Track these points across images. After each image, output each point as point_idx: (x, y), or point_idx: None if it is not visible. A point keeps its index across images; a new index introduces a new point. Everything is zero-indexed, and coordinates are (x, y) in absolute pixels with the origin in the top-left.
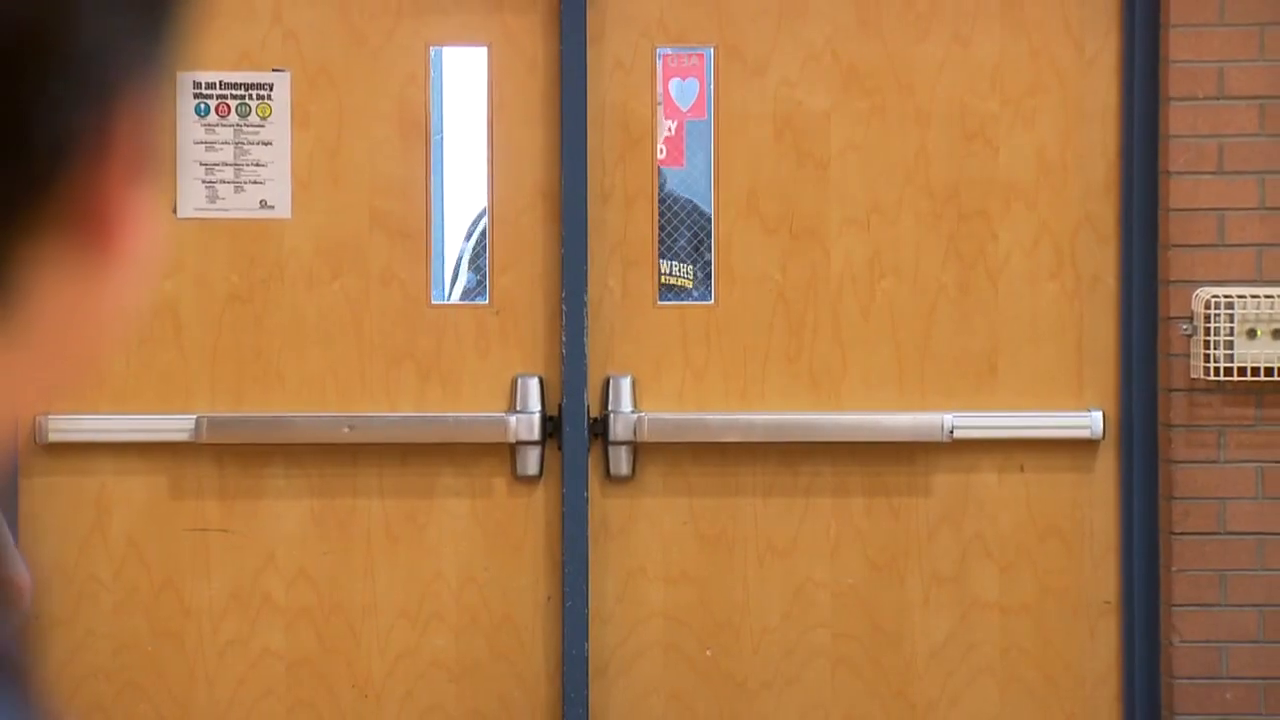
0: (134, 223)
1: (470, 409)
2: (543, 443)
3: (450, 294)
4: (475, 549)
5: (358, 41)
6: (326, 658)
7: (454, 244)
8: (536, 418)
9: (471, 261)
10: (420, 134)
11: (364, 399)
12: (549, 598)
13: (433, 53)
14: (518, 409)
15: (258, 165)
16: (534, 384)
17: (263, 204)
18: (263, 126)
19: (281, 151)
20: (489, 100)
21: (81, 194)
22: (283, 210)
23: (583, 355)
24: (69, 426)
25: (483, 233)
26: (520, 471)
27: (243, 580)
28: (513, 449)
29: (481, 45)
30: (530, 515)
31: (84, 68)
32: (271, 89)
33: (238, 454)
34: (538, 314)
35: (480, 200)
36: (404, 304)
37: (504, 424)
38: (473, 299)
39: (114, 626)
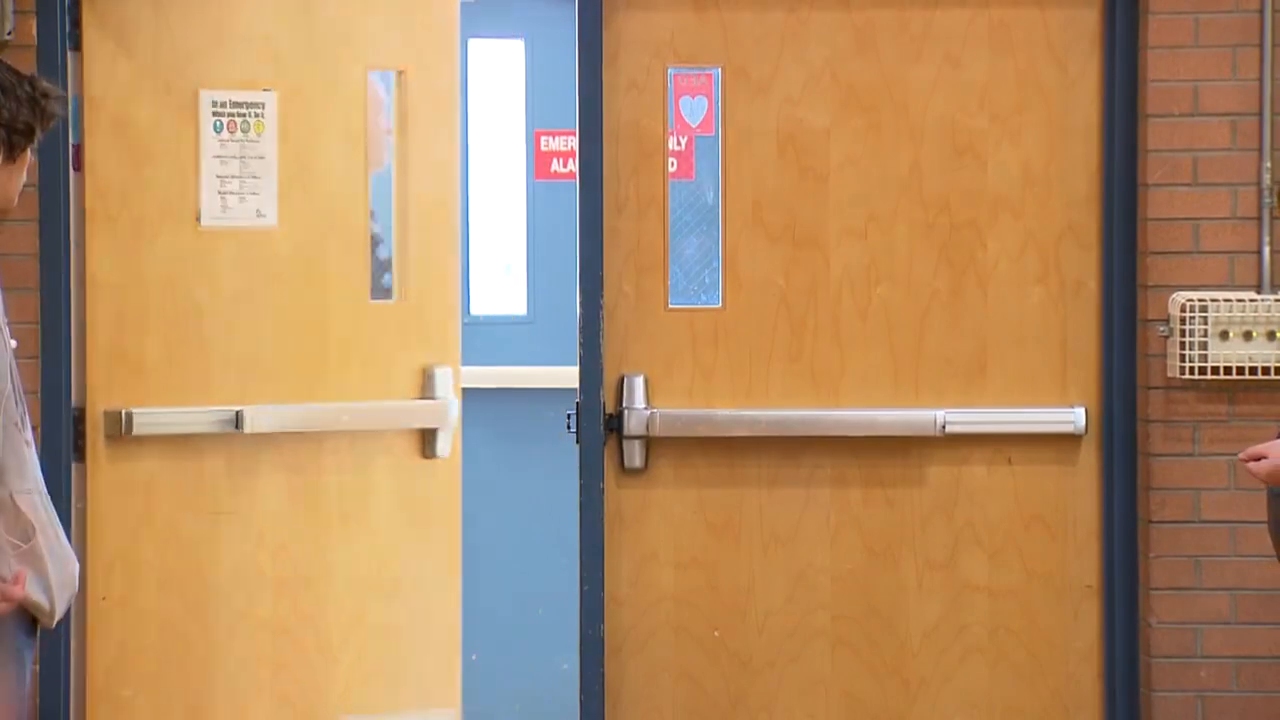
0: None
1: None
2: None
3: (473, 299)
4: None
5: (326, 66)
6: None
7: (478, 251)
8: None
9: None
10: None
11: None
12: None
13: (462, 68)
14: None
15: (254, 177)
16: None
17: (258, 213)
18: (258, 142)
19: (270, 165)
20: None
21: None
22: (272, 218)
23: (599, 355)
24: (150, 420)
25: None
26: None
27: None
28: None
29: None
30: None
31: None
32: (264, 107)
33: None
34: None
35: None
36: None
37: None
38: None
39: (159, 604)
